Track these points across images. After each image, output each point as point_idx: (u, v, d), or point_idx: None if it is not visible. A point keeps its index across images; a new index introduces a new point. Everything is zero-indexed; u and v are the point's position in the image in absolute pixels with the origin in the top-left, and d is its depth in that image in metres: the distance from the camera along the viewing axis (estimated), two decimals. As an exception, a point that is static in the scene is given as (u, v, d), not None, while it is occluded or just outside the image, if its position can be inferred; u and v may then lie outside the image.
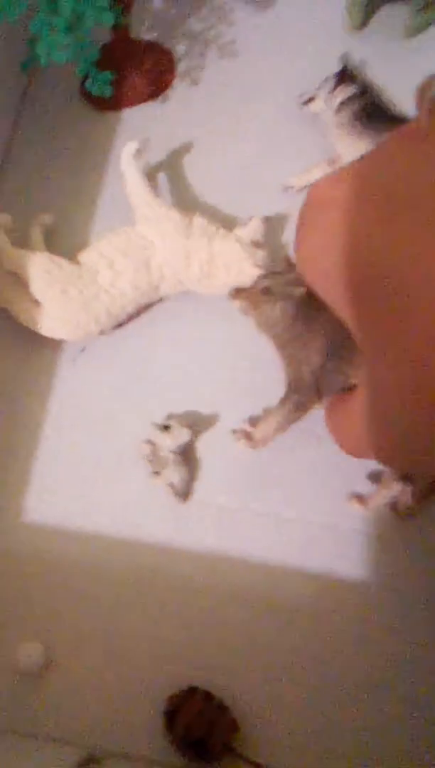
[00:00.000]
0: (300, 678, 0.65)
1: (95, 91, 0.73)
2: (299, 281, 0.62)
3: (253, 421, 0.70)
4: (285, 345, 0.64)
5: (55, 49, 0.63)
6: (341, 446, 0.62)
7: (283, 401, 0.66)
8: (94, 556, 0.68)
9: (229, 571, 0.68)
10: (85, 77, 0.82)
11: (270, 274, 0.66)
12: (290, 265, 0.65)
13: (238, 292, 0.65)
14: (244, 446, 0.69)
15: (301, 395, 0.65)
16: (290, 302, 0.63)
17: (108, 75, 0.72)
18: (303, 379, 0.63)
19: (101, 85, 0.72)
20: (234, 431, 0.69)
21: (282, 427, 0.66)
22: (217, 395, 0.72)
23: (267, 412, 0.68)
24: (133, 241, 0.71)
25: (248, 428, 0.69)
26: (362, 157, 0.51)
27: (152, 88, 0.81)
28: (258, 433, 0.68)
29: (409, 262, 0.43)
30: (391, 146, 0.48)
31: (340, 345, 0.62)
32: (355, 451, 0.61)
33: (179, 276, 0.71)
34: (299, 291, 0.62)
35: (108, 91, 0.73)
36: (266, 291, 0.64)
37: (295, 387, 0.65)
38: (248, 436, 0.69)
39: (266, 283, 0.65)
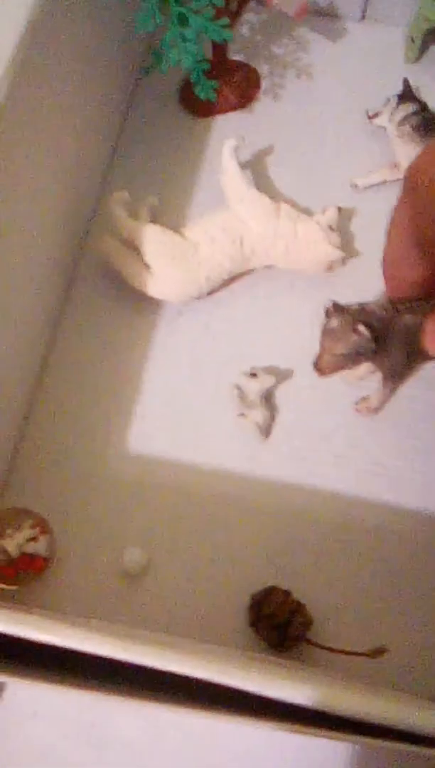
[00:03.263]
0: (362, 588, 0.76)
1: (203, 95, 0.87)
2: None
3: (363, 398, 0.82)
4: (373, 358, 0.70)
5: (184, 56, 0.77)
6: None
7: (384, 384, 0.76)
8: (186, 483, 0.81)
9: (300, 499, 0.80)
10: (186, 85, 0.98)
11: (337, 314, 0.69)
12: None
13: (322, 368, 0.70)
14: (367, 413, 0.81)
15: (395, 382, 0.77)
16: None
17: (215, 83, 0.87)
18: (396, 374, 0.74)
19: (208, 90, 0.87)
20: (356, 405, 0.81)
21: (390, 397, 0.78)
22: (292, 354, 0.85)
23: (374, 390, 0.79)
24: (230, 221, 0.84)
25: (366, 401, 0.80)
26: None
27: (240, 99, 0.95)
28: (374, 403, 0.80)
29: None
30: None
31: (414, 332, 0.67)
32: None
33: (267, 251, 0.85)
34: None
35: (213, 96, 0.88)
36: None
37: (390, 377, 0.75)
38: (369, 407, 0.81)
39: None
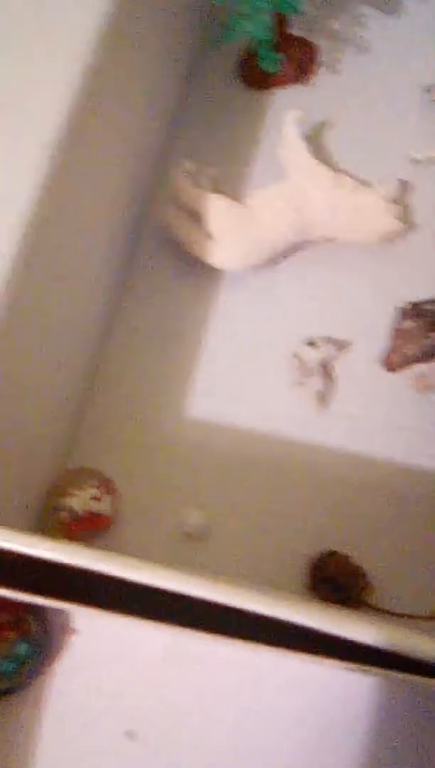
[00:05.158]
0: (420, 553, 0.77)
1: (267, 67, 0.88)
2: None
3: (420, 376, 0.82)
4: None
5: (257, 26, 0.78)
6: None
7: None
8: (244, 448, 0.82)
9: (356, 467, 0.81)
10: (245, 59, 0.99)
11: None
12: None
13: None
14: (424, 391, 0.81)
15: None
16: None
17: (279, 55, 0.88)
18: None
19: (273, 62, 0.87)
20: (411, 383, 0.81)
21: None
22: (349, 326, 0.86)
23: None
24: (291, 190, 0.85)
25: (423, 379, 0.80)
26: None
27: (299, 73, 0.96)
28: (432, 381, 0.80)
29: None
30: None
31: None
32: None
33: (327, 221, 0.86)
34: None
35: (276, 68, 0.89)
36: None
37: None
38: (426, 384, 0.81)
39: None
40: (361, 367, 0.85)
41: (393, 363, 0.70)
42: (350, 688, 0.71)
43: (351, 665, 0.51)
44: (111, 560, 0.47)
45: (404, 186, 0.91)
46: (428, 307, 0.68)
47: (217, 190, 0.90)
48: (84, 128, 0.67)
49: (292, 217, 0.84)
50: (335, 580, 0.73)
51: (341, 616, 0.47)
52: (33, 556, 0.49)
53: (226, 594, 0.46)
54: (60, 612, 0.75)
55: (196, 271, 0.88)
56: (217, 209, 0.84)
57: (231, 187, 0.92)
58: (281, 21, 0.91)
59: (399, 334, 0.69)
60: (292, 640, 0.50)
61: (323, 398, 0.82)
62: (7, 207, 0.63)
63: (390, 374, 0.82)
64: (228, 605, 0.47)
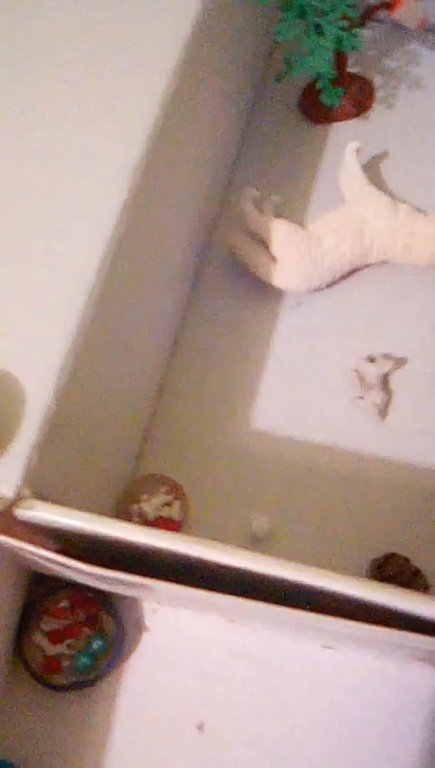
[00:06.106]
0: None
1: (328, 102, 0.94)
2: None
3: None
4: None
5: (320, 63, 0.84)
6: None
7: None
8: (306, 458, 0.86)
9: (415, 475, 0.84)
10: (305, 94, 1.05)
11: None
12: None
13: None
14: None
15: None
16: None
17: (340, 90, 0.94)
18: None
19: (334, 97, 0.94)
20: None
21: None
22: (405, 342, 0.90)
23: None
24: (351, 215, 0.90)
25: None
26: None
27: (356, 109, 1.02)
28: None
29: None
30: None
31: None
32: None
33: (386, 246, 0.91)
34: None
35: (337, 102, 0.95)
36: None
37: None
38: None
39: None
40: (417, 381, 0.89)
41: None
42: (417, 685, 0.74)
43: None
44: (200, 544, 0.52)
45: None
46: None
47: (280, 216, 0.95)
48: (160, 154, 0.73)
49: (351, 241, 0.89)
50: (395, 581, 0.76)
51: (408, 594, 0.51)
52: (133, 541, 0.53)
53: (307, 574, 0.50)
54: (133, 609, 0.80)
55: (260, 292, 0.93)
56: (280, 233, 0.89)
57: (293, 214, 0.98)
58: (341, 58, 0.97)
59: None
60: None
61: (382, 411, 0.86)
62: (91, 229, 0.69)
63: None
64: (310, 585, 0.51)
